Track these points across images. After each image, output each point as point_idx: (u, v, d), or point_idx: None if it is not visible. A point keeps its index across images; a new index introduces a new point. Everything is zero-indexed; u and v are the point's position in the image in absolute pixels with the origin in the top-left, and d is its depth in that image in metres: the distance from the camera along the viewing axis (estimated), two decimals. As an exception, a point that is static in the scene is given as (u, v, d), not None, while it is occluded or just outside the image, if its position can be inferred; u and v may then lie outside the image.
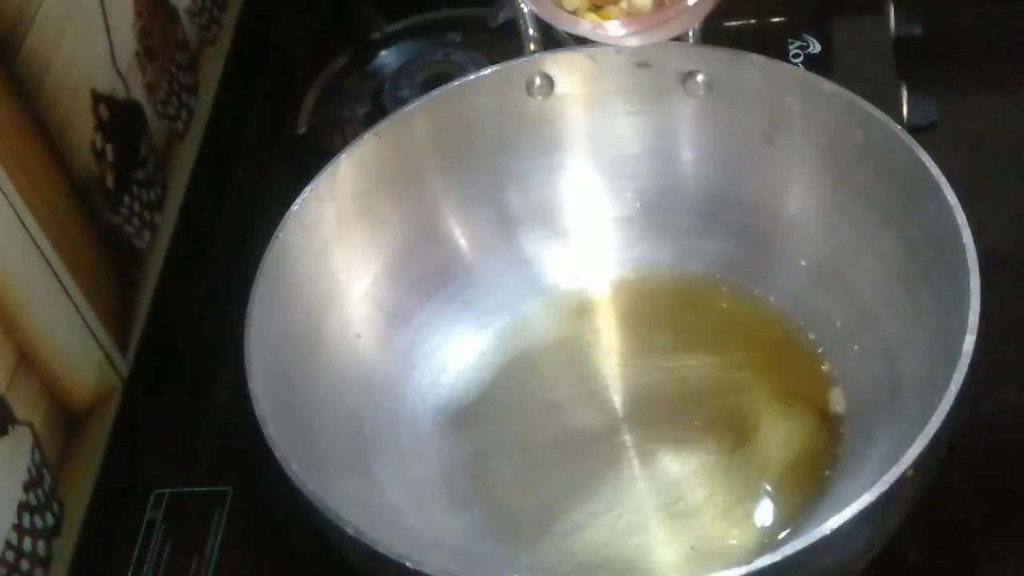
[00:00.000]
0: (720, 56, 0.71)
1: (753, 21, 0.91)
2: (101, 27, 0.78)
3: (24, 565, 0.64)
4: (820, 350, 0.69)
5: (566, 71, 0.73)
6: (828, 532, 0.51)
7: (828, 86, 0.67)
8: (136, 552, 0.70)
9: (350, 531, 0.54)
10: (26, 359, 0.66)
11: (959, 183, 0.61)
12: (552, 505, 0.67)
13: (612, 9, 0.69)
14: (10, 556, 0.64)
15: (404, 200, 0.73)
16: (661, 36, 0.68)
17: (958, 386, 0.54)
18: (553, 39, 0.82)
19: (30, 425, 0.66)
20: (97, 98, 0.76)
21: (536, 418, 0.71)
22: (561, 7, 0.69)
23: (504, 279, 0.76)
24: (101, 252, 0.75)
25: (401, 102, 0.82)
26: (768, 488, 0.65)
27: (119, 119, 0.78)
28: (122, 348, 0.76)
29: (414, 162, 0.73)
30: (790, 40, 0.87)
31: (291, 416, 0.61)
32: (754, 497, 0.65)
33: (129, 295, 0.78)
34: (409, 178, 0.73)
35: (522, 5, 0.72)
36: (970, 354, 0.55)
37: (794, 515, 0.63)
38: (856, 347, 0.68)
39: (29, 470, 0.66)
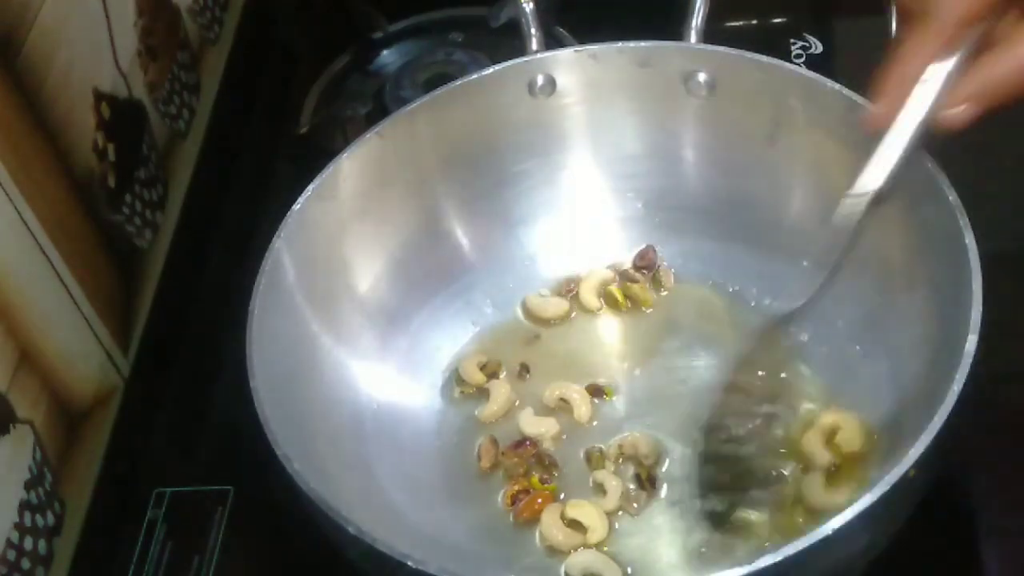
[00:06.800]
0: (722, 56, 0.70)
1: (754, 21, 0.91)
2: (103, 26, 0.78)
3: (25, 564, 0.64)
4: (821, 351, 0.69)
5: (568, 71, 0.73)
6: (828, 532, 0.51)
7: (830, 86, 0.67)
8: (137, 551, 0.70)
9: (351, 530, 0.54)
10: (27, 358, 0.66)
11: (959, 183, 0.60)
12: (553, 505, 0.67)
13: None
14: (11, 555, 0.64)
15: (406, 200, 0.73)
16: None
17: (960, 386, 0.54)
18: (555, 39, 0.82)
19: (31, 424, 0.66)
20: (99, 97, 0.76)
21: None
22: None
23: (506, 279, 0.76)
24: (102, 251, 0.75)
25: (403, 102, 0.82)
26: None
27: (121, 118, 0.78)
28: (123, 347, 0.76)
29: (416, 162, 0.73)
30: (792, 40, 0.87)
31: (292, 415, 0.61)
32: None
33: (130, 294, 0.78)
34: (411, 178, 0.73)
35: (524, 5, 0.72)
36: (972, 354, 0.55)
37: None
38: (857, 347, 0.68)
39: (30, 468, 0.66)
